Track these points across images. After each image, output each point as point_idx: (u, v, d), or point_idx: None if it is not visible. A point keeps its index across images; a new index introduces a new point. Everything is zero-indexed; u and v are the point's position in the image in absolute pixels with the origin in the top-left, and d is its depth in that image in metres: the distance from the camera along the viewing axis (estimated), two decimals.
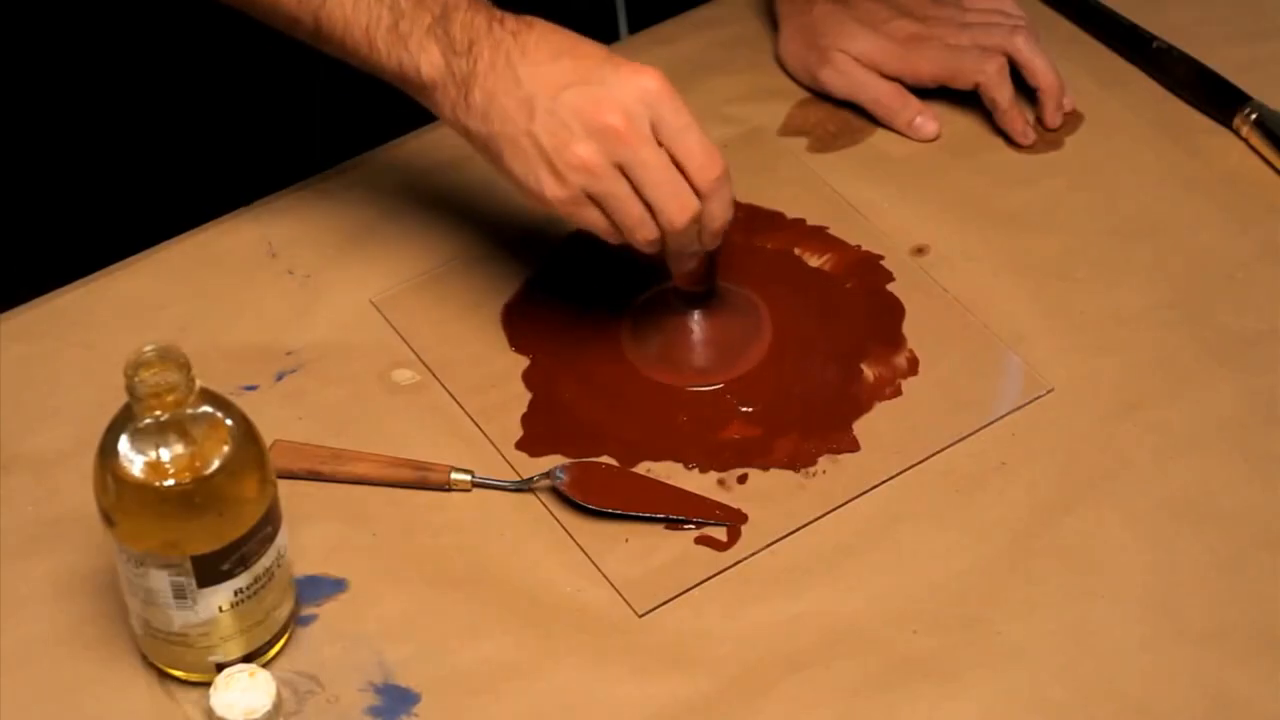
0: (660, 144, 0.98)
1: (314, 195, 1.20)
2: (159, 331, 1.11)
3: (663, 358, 1.09)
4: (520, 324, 1.12)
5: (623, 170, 0.98)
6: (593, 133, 0.97)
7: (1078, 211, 1.19)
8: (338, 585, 1.00)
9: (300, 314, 1.13)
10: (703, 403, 1.08)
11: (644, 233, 1.00)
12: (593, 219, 1.00)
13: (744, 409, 1.08)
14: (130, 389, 0.87)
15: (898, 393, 1.09)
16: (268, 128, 1.30)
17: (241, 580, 0.92)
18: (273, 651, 0.96)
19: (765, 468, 1.05)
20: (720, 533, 1.02)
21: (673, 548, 1.02)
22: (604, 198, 0.99)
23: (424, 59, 1.01)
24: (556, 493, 1.03)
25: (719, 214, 1.01)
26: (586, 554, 1.01)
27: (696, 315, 1.09)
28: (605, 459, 1.05)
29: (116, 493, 0.89)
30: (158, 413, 0.87)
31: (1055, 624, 0.98)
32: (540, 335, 1.11)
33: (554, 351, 1.11)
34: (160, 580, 0.90)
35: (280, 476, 0.99)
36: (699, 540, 1.02)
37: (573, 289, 1.13)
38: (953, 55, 1.23)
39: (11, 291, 1.15)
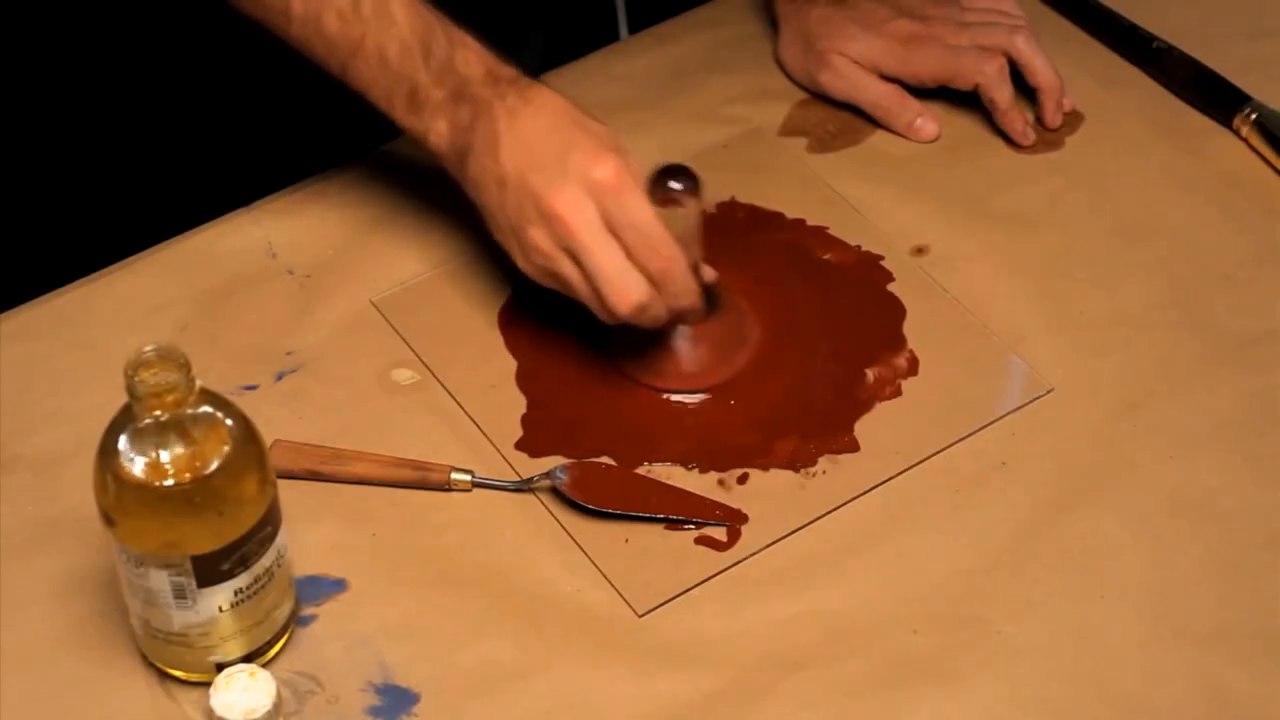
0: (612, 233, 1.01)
1: (314, 195, 1.20)
2: (159, 331, 1.11)
3: (648, 364, 1.09)
4: (515, 327, 1.12)
5: (571, 255, 1.02)
6: (543, 218, 1.02)
7: (1078, 211, 1.19)
8: (338, 585, 1.00)
9: (300, 314, 1.13)
10: (703, 403, 1.08)
11: (599, 312, 1.04)
12: (561, 290, 1.06)
13: (745, 409, 1.08)
14: (130, 389, 0.87)
15: (898, 393, 1.09)
16: (268, 128, 1.30)
17: (241, 580, 0.92)
18: (273, 651, 0.96)
19: (765, 468, 1.05)
20: (720, 533, 1.02)
21: (673, 548, 1.02)
22: (558, 277, 1.04)
23: (433, 131, 1.07)
24: (556, 493, 1.03)
25: (677, 299, 1.04)
26: (586, 554, 1.01)
27: (681, 327, 1.08)
28: (605, 459, 1.05)
29: (116, 493, 0.89)
30: (158, 413, 0.87)
31: (1055, 624, 0.98)
32: (535, 337, 1.11)
33: (550, 353, 1.11)
34: (160, 580, 0.90)
35: (280, 476, 0.99)
36: (699, 540, 1.02)
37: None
38: (952, 55, 1.23)
39: (11, 291, 1.15)
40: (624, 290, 1.02)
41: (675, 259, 1.02)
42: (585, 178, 1.01)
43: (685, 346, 1.08)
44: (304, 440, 1.05)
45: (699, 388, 1.09)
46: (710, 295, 1.07)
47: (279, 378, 1.10)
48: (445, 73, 1.06)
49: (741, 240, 1.15)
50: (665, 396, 1.08)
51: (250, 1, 1.09)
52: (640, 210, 1.01)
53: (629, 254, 1.01)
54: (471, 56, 1.06)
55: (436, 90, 1.06)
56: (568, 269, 1.03)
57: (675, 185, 1.03)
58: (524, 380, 1.09)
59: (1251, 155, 1.22)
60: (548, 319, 1.12)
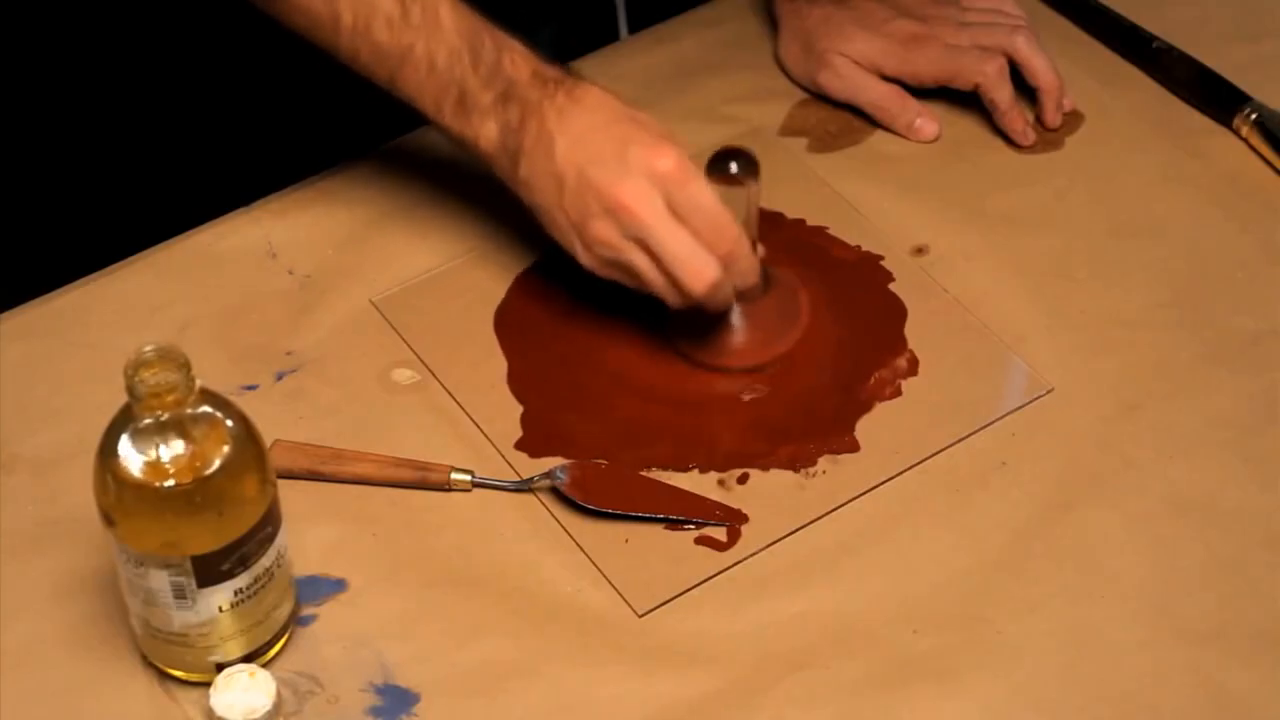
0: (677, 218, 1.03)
1: (314, 195, 1.20)
2: (159, 331, 1.11)
3: (709, 345, 1.10)
4: (510, 328, 1.12)
5: (641, 244, 1.03)
6: (609, 211, 1.03)
7: (1078, 211, 1.19)
8: (338, 585, 1.00)
9: (300, 314, 1.13)
10: (703, 403, 1.08)
11: (670, 297, 1.06)
12: (627, 281, 1.06)
13: (747, 410, 1.08)
14: (130, 389, 0.87)
15: (898, 393, 1.09)
16: (268, 128, 1.30)
17: (241, 580, 0.92)
18: (273, 651, 0.96)
19: (765, 468, 1.05)
20: (720, 533, 1.02)
21: (673, 548, 1.02)
22: (626, 267, 1.05)
23: (483, 134, 1.07)
24: (556, 493, 1.03)
25: (742, 277, 1.06)
26: (586, 554, 1.01)
27: (737, 306, 1.09)
28: (605, 459, 1.05)
29: (116, 493, 0.89)
30: (158, 413, 0.87)
31: (1055, 624, 0.98)
32: (531, 338, 1.11)
33: (547, 354, 1.11)
34: (160, 580, 0.90)
35: (280, 476, 0.99)
36: (699, 540, 1.02)
37: (563, 290, 1.13)
38: (952, 56, 1.23)
39: (11, 291, 1.15)
40: (699, 272, 1.03)
41: (741, 239, 1.05)
42: (648, 169, 1.03)
43: (743, 325, 1.10)
44: (304, 440, 1.05)
45: (759, 363, 1.10)
46: (764, 273, 1.09)
47: (279, 378, 1.10)
48: (493, 76, 1.06)
49: (759, 237, 1.15)
50: (670, 390, 1.09)
51: (298, 14, 1.09)
52: (705, 195, 1.03)
53: (696, 238, 1.03)
54: (518, 58, 1.07)
55: (485, 93, 1.07)
56: (638, 258, 1.04)
57: (734, 167, 1.06)
58: (515, 383, 1.09)
59: (1251, 155, 1.22)
60: (544, 312, 1.12)
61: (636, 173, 1.03)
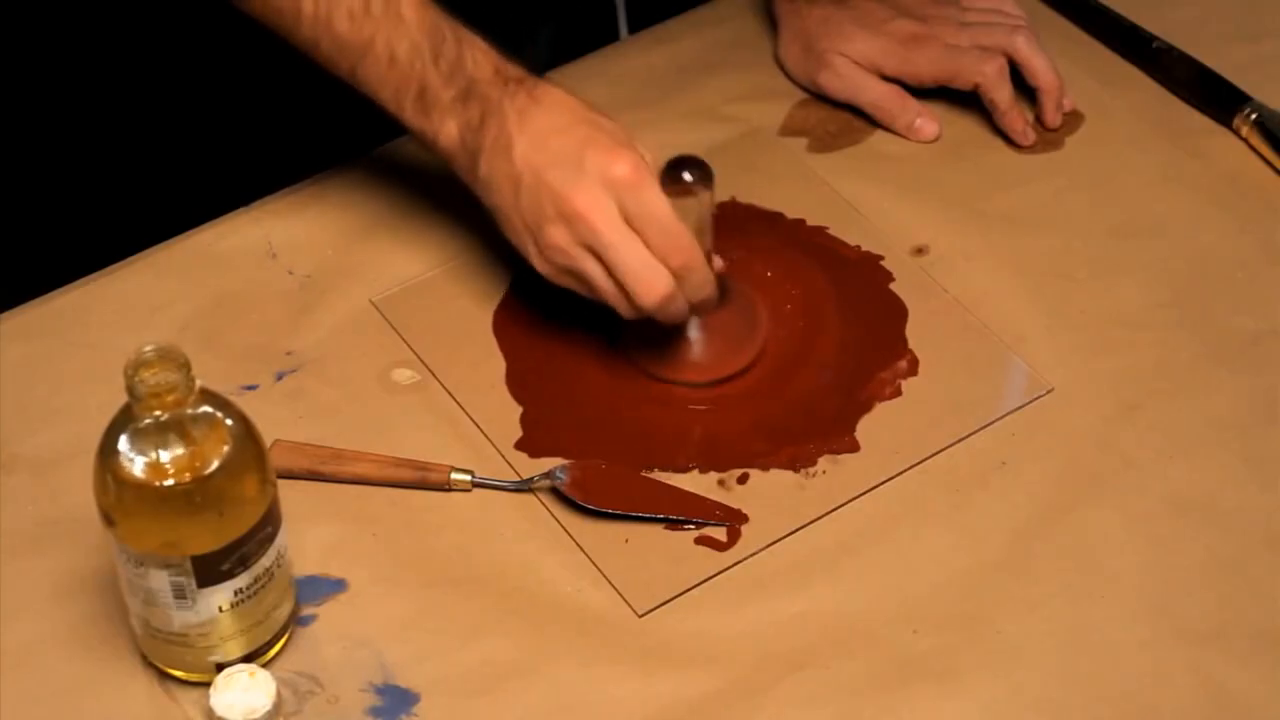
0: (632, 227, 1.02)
1: (314, 195, 1.20)
2: (159, 331, 1.11)
3: (663, 358, 1.09)
4: (508, 329, 1.12)
5: (593, 252, 1.02)
6: (563, 217, 1.02)
7: (1078, 211, 1.19)
8: (338, 585, 1.00)
9: (300, 314, 1.13)
10: (703, 403, 1.08)
11: (621, 308, 1.04)
12: (577, 288, 1.05)
13: (748, 410, 1.08)
14: (130, 389, 0.87)
15: (898, 393, 1.09)
16: (268, 128, 1.30)
17: (241, 580, 0.92)
18: (273, 651, 0.96)
19: (765, 468, 1.05)
20: (720, 533, 1.02)
21: (673, 548, 1.02)
22: (579, 274, 1.04)
23: (443, 131, 1.06)
24: (556, 493, 1.03)
25: (696, 291, 1.04)
26: (586, 554, 1.01)
27: (694, 319, 1.09)
28: (605, 460, 1.05)
29: (116, 493, 0.89)
30: (158, 413, 0.87)
31: (1055, 624, 0.98)
32: (529, 339, 1.11)
33: (546, 354, 1.11)
34: (160, 580, 0.90)
35: (280, 476, 0.99)
36: (699, 540, 1.02)
37: (560, 290, 1.13)
38: (952, 55, 1.23)
39: (11, 291, 1.15)
40: (650, 284, 1.02)
41: (695, 251, 1.03)
42: (604, 174, 1.01)
43: (699, 338, 1.09)
44: (304, 440, 1.05)
45: (715, 378, 1.09)
46: (721, 285, 1.08)
47: (279, 378, 1.10)
48: (454, 73, 1.06)
49: (742, 240, 1.15)
50: (670, 390, 1.08)
51: (258, 2, 1.08)
52: (659, 204, 1.02)
53: (650, 248, 1.02)
54: (480, 56, 1.06)
55: (446, 90, 1.06)
56: (590, 266, 1.03)
57: (688, 176, 1.04)
58: (513, 383, 1.09)
59: (1251, 155, 1.22)
60: (545, 315, 1.12)
61: (592, 178, 1.01)
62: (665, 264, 1.02)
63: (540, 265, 1.05)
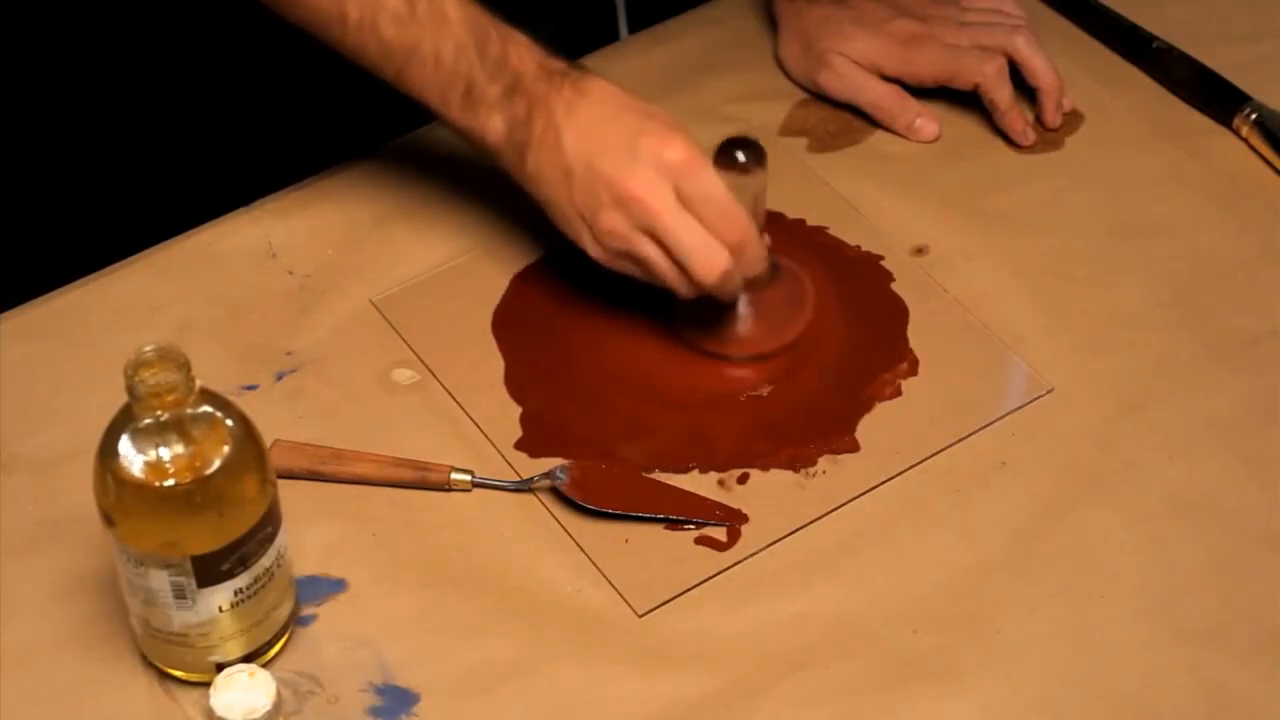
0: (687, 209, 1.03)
1: (314, 195, 1.20)
2: (159, 331, 1.11)
3: (716, 334, 1.10)
4: (508, 329, 1.12)
5: (651, 234, 1.03)
6: (618, 202, 1.03)
7: (1078, 211, 1.19)
8: (338, 585, 1.00)
9: (300, 314, 1.13)
10: (703, 403, 1.08)
11: (681, 287, 1.06)
12: (636, 272, 1.06)
13: (749, 409, 1.08)
14: (130, 389, 0.87)
15: (898, 393, 1.09)
16: (268, 128, 1.30)
17: (241, 580, 0.92)
18: (273, 651, 0.96)
19: (765, 468, 1.05)
20: (720, 533, 1.02)
21: (673, 548, 1.02)
22: (637, 258, 1.05)
23: (490, 127, 1.07)
24: (557, 493, 1.03)
25: (750, 266, 1.06)
26: (586, 554, 1.01)
27: (744, 295, 1.10)
28: (605, 459, 1.05)
29: (116, 493, 0.89)
30: (158, 413, 0.87)
31: (1055, 624, 0.98)
32: (529, 339, 1.11)
33: (545, 354, 1.11)
34: (160, 580, 0.90)
35: (280, 476, 0.99)
36: (699, 540, 1.02)
37: (561, 289, 1.13)
38: (952, 55, 1.23)
39: (11, 291, 1.15)
40: (710, 262, 1.03)
41: (750, 228, 1.05)
42: (657, 159, 1.03)
43: (749, 313, 1.10)
44: (304, 440, 1.05)
45: (766, 352, 1.10)
46: (771, 262, 1.09)
47: (279, 378, 1.10)
48: (499, 69, 1.06)
49: (770, 236, 1.16)
50: (670, 391, 1.09)
51: (303, 10, 1.08)
52: (714, 185, 1.03)
53: (706, 227, 1.03)
54: (524, 52, 1.07)
55: (491, 87, 1.07)
56: (647, 249, 1.04)
57: (742, 156, 1.06)
58: (511, 383, 1.09)
59: (1251, 155, 1.22)
60: (543, 312, 1.12)
61: (645, 163, 1.03)
62: (722, 241, 1.03)
63: (595, 251, 1.06)
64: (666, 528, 1.02)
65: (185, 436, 0.88)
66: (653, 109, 1.06)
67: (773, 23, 1.29)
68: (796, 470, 1.05)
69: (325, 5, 1.08)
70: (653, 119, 1.05)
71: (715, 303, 1.08)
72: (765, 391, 1.09)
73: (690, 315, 1.10)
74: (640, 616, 0.99)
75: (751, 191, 1.06)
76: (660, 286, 1.06)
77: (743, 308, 1.10)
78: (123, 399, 0.88)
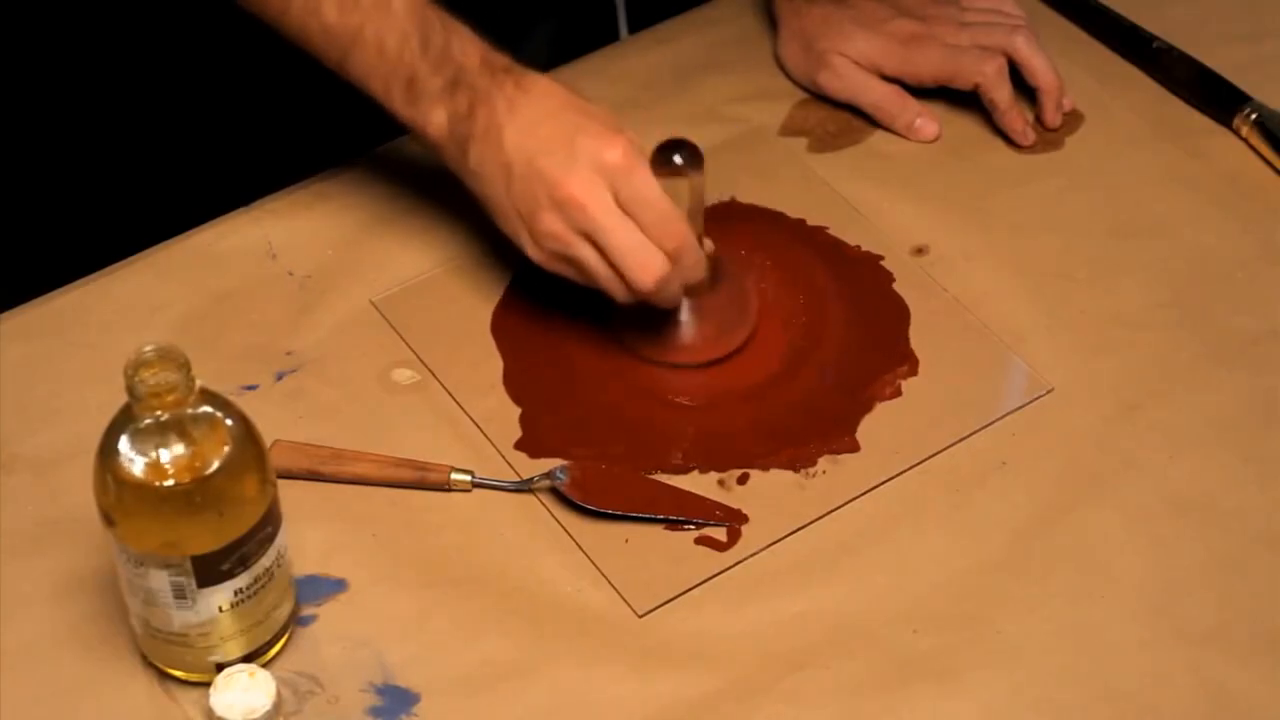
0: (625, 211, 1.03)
1: (314, 195, 1.20)
2: (159, 331, 1.11)
3: (656, 341, 1.09)
4: (506, 329, 1.12)
5: (589, 237, 1.02)
6: (556, 203, 1.03)
7: (1078, 211, 1.19)
8: (338, 585, 1.00)
9: (300, 314, 1.13)
10: (702, 403, 1.08)
11: (617, 291, 1.05)
12: (572, 275, 1.06)
13: (749, 409, 1.08)
14: (130, 389, 0.87)
15: (898, 393, 1.09)
16: (268, 128, 1.30)
17: (241, 580, 0.92)
18: (273, 651, 0.96)
19: (765, 468, 1.05)
20: (720, 533, 1.02)
21: (673, 548, 1.02)
22: (574, 260, 1.04)
23: (432, 120, 1.06)
24: (556, 493, 1.03)
25: (690, 273, 1.05)
26: (586, 554, 1.01)
27: (685, 301, 1.09)
28: (604, 460, 1.05)
29: (116, 493, 0.89)
30: (158, 413, 0.87)
31: (1055, 624, 0.98)
32: (528, 339, 1.11)
33: (545, 354, 1.11)
34: (160, 580, 0.90)
35: (280, 476, 0.99)
36: (699, 540, 1.02)
37: (560, 290, 1.13)
38: (952, 55, 1.23)
39: (11, 291, 1.15)
40: (646, 266, 1.03)
41: (688, 234, 1.04)
42: (596, 160, 1.02)
43: (691, 320, 1.09)
44: (304, 440, 1.05)
45: (706, 359, 1.09)
46: (712, 268, 1.08)
47: (279, 378, 1.10)
48: (442, 61, 1.06)
49: (764, 235, 1.16)
50: (670, 390, 1.09)
51: None
52: (652, 188, 1.02)
53: (644, 232, 1.03)
54: (467, 45, 1.06)
55: (434, 79, 1.06)
56: (584, 251, 1.03)
57: (678, 159, 1.05)
58: (510, 384, 1.09)
59: (1251, 155, 1.22)
60: (545, 314, 1.12)
61: (584, 164, 1.02)
62: (660, 245, 1.03)
63: (534, 253, 1.05)
64: (666, 528, 1.02)
65: (185, 436, 0.88)
66: (594, 107, 1.05)
67: (773, 23, 1.30)
68: (796, 470, 1.05)
69: None
70: (593, 118, 1.04)
71: (657, 309, 1.07)
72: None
73: (632, 321, 1.10)
74: (640, 616, 0.99)
75: (687, 195, 1.05)
76: (600, 291, 1.05)
77: (684, 314, 1.09)
78: (123, 399, 0.88)
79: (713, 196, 1.15)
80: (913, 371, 1.10)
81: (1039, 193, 1.21)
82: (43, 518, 1.03)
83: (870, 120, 1.25)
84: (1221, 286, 1.14)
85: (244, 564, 0.91)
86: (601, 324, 1.10)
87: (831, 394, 1.09)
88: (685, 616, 0.99)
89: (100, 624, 0.98)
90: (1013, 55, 1.23)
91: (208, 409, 0.89)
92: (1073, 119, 1.25)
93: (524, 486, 1.04)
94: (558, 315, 1.12)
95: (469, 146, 1.05)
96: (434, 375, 1.10)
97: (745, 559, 1.01)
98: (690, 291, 1.07)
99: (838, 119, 1.26)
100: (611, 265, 1.03)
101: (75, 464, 0.99)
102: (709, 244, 1.08)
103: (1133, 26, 1.29)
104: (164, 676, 0.96)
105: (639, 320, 1.09)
